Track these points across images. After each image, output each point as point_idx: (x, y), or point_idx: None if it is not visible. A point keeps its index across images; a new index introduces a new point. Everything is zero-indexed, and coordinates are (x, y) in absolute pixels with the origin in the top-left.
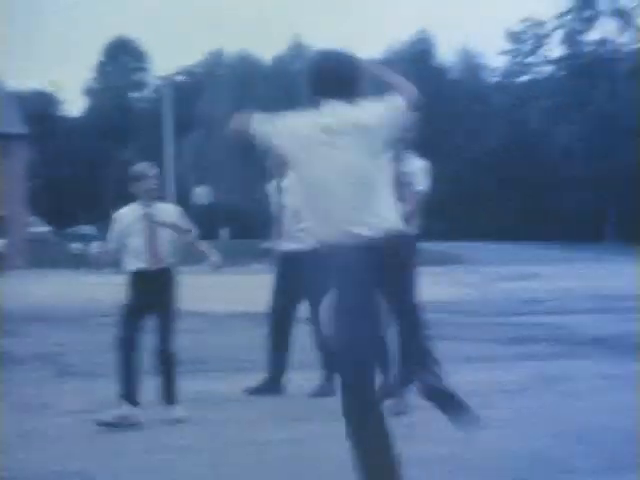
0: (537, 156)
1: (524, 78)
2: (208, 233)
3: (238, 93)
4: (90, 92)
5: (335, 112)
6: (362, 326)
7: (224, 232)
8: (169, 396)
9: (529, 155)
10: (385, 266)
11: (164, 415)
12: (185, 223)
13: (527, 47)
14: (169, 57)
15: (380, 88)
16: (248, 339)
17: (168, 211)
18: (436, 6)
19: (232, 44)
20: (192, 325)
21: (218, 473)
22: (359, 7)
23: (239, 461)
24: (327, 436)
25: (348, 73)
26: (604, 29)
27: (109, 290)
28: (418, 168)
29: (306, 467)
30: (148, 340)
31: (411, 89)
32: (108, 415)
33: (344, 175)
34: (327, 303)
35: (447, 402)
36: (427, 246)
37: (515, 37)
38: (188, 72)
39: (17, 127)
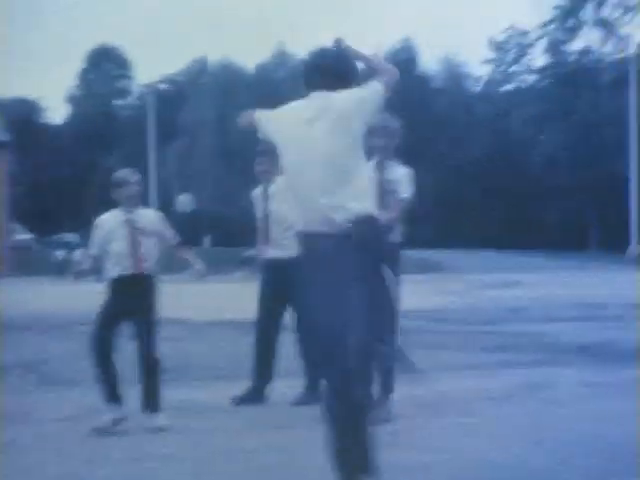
0: (520, 165)
1: (507, 87)
2: (191, 241)
3: (221, 101)
4: (73, 99)
5: (316, 100)
6: (338, 315)
7: (206, 240)
8: (152, 404)
9: (512, 164)
10: (357, 255)
11: (147, 423)
12: (167, 230)
13: (510, 56)
14: (152, 65)
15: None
16: (230, 347)
17: (150, 217)
18: (419, 15)
19: (215, 52)
20: (173, 333)
21: None
22: (343, 16)
23: (223, 470)
24: (311, 443)
25: (333, 66)
26: (587, 39)
27: (92, 298)
28: (402, 175)
29: (290, 475)
30: (131, 348)
31: (392, 72)
32: (99, 421)
33: (319, 160)
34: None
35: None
36: (410, 254)
37: (498, 46)
38: (171, 80)
39: None
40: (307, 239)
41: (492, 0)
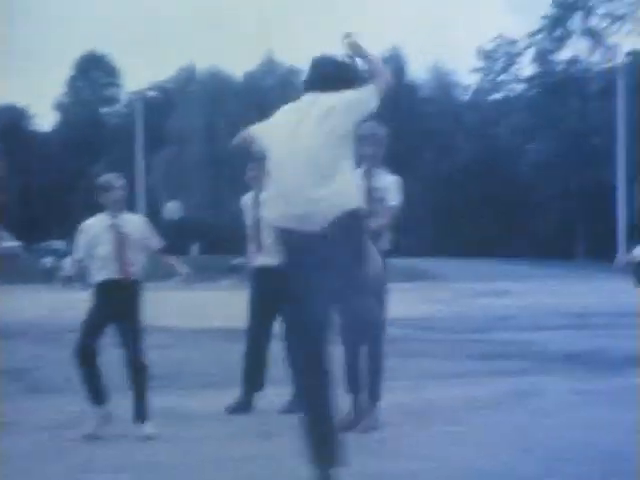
0: (508, 174)
1: (496, 96)
2: (179, 248)
3: (209, 109)
4: (61, 107)
5: (305, 101)
6: (313, 308)
7: (194, 247)
8: (141, 411)
9: (500, 172)
10: (336, 254)
11: (135, 431)
12: (152, 235)
13: (499, 65)
14: (140, 72)
15: None
16: (219, 355)
17: (135, 222)
18: (408, 23)
19: (204, 60)
20: (161, 341)
21: None
22: (331, 24)
23: (211, 478)
24: (298, 452)
25: (335, 74)
26: (575, 48)
27: (80, 305)
28: (390, 183)
29: None
30: (117, 355)
31: (387, 77)
32: (87, 427)
33: (302, 156)
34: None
35: None
36: (398, 262)
37: (487, 55)
38: (159, 88)
39: None
40: (286, 237)
41: (480, 9)
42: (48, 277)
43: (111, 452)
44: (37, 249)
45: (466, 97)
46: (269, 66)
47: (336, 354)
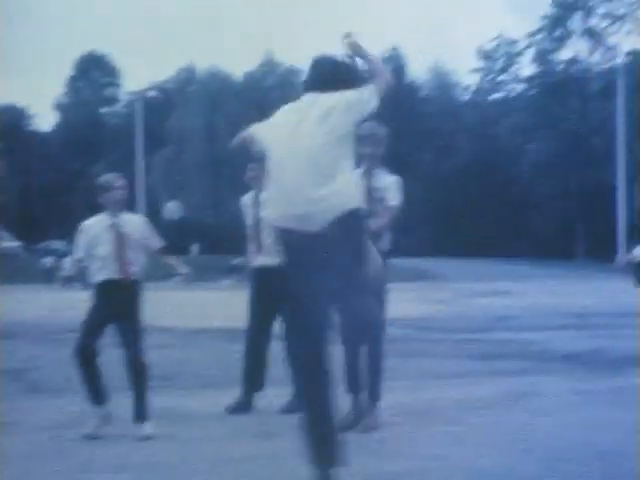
0: (508, 173)
1: (495, 96)
2: (179, 248)
3: (209, 109)
4: (61, 107)
5: (305, 101)
6: (312, 309)
7: (194, 247)
8: (141, 412)
9: (500, 172)
10: (336, 254)
11: (134, 431)
12: (152, 235)
13: (498, 65)
14: (141, 73)
15: None
16: (218, 355)
17: (135, 222)
18: (408, 24)
19: (204, 60)
20: (161, 341)
21: None
22: (331, 25)
23: (211, 478)
24: (298, 452)
25: (334, 75)
26: (575, 48)
27: (80, 305)
28: (390, 183)
29: None
30: (117, 355)
31: (388, 77)
32: (87, 426)
33: (302, 155)
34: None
35: None
36: (398, 262)
37: (487, 55)
38: (159, 88)
39: None
40: (286, 237)
41: (480, 9)
42: (48, 277)
43: (111, 452)
44: (37, 249)
45: (466, 97)
46: (269, 66)
47: (336, 354)
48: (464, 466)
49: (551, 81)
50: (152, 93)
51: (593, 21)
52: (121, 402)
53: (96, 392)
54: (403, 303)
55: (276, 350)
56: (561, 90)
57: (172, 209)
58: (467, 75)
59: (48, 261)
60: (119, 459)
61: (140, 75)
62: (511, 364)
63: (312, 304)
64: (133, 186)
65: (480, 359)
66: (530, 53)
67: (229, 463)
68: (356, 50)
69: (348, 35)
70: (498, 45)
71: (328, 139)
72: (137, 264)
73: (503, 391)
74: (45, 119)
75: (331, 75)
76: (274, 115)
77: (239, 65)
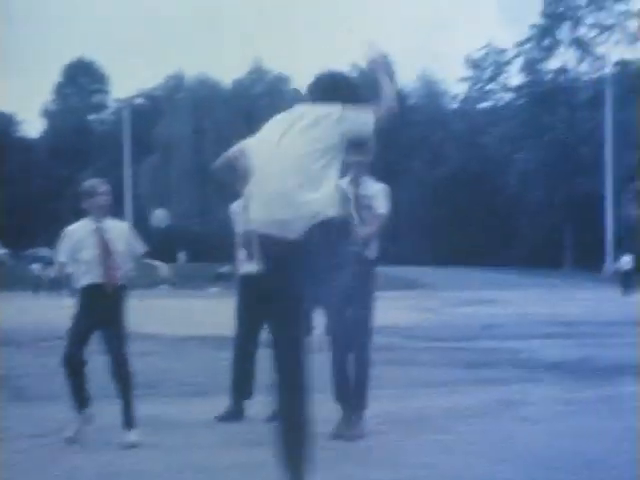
0: (496, 182)
1: (484, 105)
2: (166, 256)
3: (197, 116)
4: (49, 114)
5: (298, 109)
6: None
7: (181, 255)
8: (128, 418)
9: (488, 181)
10: (312, 263)
11: (120, 439)
12: (135, 240)
13: (487, 74)
14: (129, 79)
15: None
16: (205, 363)
17: (119, 227)
18: (396, 32)
19: (192, 67)
20: (147, 348)
21: None
22: (320, 33)
23: None
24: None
25: (329, 84)
26: (563, 58)
27: (65, 312)
28: (377, 191)
29: None
30: (102, 361)
31: (391, 104)
32: (69, 430)
33: (285, 163)
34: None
35: None
36: (386, 270)
37: (475, 64)
38: (147, 95)
39: None
40: (264, 242)
41: (469, 18)
42: (35, 284)
43: (96, 460)
44: (24, 256)
45: (454, 106)
46: (258, 73)
47: (324, 362)
48: (452, 475)
49: (539, 90)
50: (140, 100)
51: (581, 31)
52: (107, 410)
53: (81, 398)
54: (391, 311)
55: (264, 358)
56: (549, 99)
57: (160, 217)
58: (455, 84)
59: (36, 268)
60: (104, 467)
61: (128, 82)
62: (499, 373)
63: (288, 312)
64: (120, 193)
65: (468, 368)
66: (519, 62)
67: (215, 471)
68: (376, 64)
69: (371, 45)
70: (487, 54)
71: (313, 148)
72: (121, 269)
73: (491, 400)
74: (33, 125)
75: (329, 89)
76: (265, 126)
77: (228, 72)
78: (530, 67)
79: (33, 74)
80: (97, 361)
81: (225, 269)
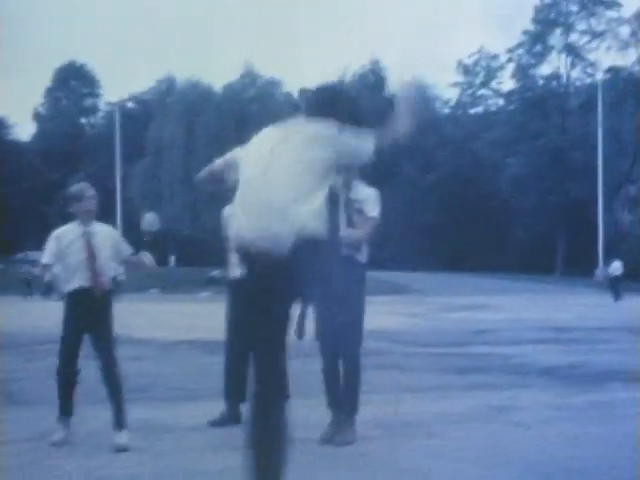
0: (488, 187)
1: (476, 110)
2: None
3: (189, 120)
4: (40, 117)
5: (295, 123)
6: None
7: (172, 259)
8: (118, 420)
9: (480, 186)
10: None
11: (110, 442)
12: (122, 243)
13: (479, 79)
14: (120, 83)
15: None
16: (196, 367)
17: (105, 231)
18: (389, 37)
19: (183, 71)
20: (138, 353)
21: None
22: (311, 38)
23: None
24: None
25: (327, 98)
26: (555, 64)
27: (56, 316)
28: (368, 195)
29: None
30: (92, 366)
31: (402, 128)
32: (55, 435)
33: (277, 177)
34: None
35: None
36: (376, 275)
37: (467, 69)
38: (139, 99)
39: None
40: (250, 255)
41: (461, 23)
42: (26, 288)
43: (86, 464)
44: (14, 260)
45: (446, 111)
46: (249, 78)
47: (314, 367)
48: (442, 479)
49: (531, 96)
50: (131, 104)
51: (573, 37)
52: (97, 414)
53: (67, 406)
54: (382, 316)
55: None
56: (541, 105)
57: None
58: (447, 89)
59: (25, 271)
60: (94, 471)
61: (120, 86)
62: (490, 378)
63: (269, 323)
64: (111, 197)
65: (459, 373)
66: (510, 68)
67: (205, 476)
68: (407, 87)
69: (407, 84)
70: (478, 59)
71: (306, 168)
72: (108, 273)
73: (482, 405)
74: (24, 129)
75: (328, 104)
76: (256, 136)
77: (219, 76)
78: (522, 73)
79: (24, 77)
80: (87, 366)
81: (216, 273)
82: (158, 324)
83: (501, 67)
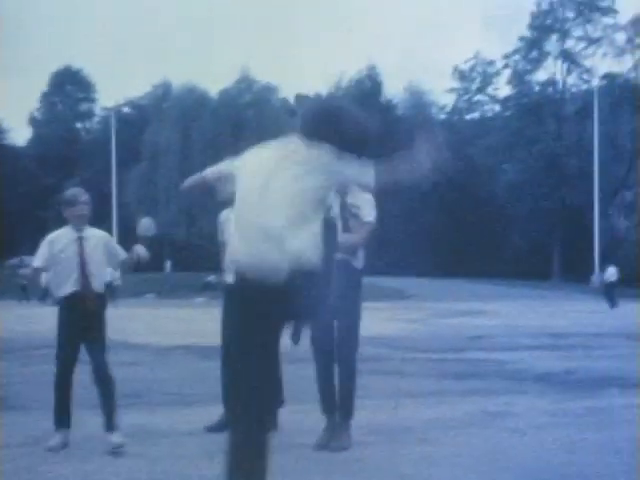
0: (484, 193)
1: (471, 116)
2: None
3: (184, 125)
4: (35, 122)
5: (293, 144)
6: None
7: (168, 264)
8: (110, 423)
9: (476, 192)
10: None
11: (104, 444)
12: (115, 247)
13: (474, 85)
14: (116, 88)
15: None
16: (191, 372)
17: (98, 236)
18: (385, 42)
19: (179, 76)
20: (133, 358)
21: None
22: (307, 43)
23: None
24: (271, 471)
25: (322, 118)
26: (551, 70)
27: (50, 321)
28: (364, 200)
29: None
30: (85, 370)
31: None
32: (52, 440)
33: (272, 202)
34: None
35: None
36: (373, 281)
37: (463, 75)
38: (135, 104)
39: None
40: (244, 282)
41: (457, 29)
42: (21, 292)
43: (81, 469)
44: (9, 265)
45: (442, 117)
46: (245, 83)
47: (309, 373)
48: None
49: (527, 102)
50: (127, 109)
51: (569, 43)
52: (92, 419)
53: (64, 417)
54: (378, 322)
55: None
56: (537, 111)
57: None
58: (443, 95)
59: (21, 275)
60: (89, 476)
61: (115, 91)
62: (486, 384)
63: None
64: (107, 202)
65: (455, 379)
66: (506, 74)
67: None
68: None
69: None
70: (474, 65)
71: (304, 195)
72: (100, 278)
73: (478, 411)
74: (20, 133)
75: (327, 128)
76: (252, 151)
77: (215, 81)
78: (518, 79)
79: (20, 81)
80: (80, 372)
81: (212, 278)
82: (154, 329)
83: (497, 73)
